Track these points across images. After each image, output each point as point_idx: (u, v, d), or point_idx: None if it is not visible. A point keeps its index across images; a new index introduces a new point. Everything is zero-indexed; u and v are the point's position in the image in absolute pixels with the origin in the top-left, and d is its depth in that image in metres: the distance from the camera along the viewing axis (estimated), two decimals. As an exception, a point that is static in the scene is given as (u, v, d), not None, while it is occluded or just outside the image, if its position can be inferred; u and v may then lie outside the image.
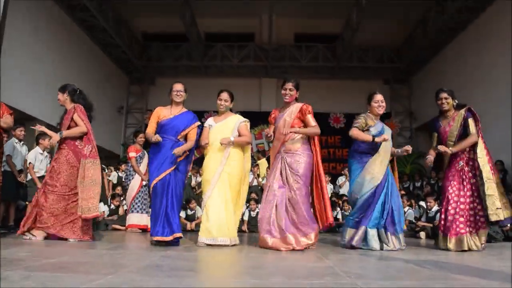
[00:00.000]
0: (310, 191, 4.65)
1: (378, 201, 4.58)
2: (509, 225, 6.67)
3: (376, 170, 4.65)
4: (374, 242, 4.45)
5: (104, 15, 11.71)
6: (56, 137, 4.83)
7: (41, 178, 6.57)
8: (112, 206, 8.20)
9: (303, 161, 4.57)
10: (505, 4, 9.77)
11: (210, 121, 4.96)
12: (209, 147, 4.77)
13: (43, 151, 6.78)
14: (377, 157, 4.67)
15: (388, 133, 4.82)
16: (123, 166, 9.46)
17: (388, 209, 4.56)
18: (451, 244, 4.46)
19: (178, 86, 4.84)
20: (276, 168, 4.61)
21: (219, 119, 4.92)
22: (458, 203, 4.57)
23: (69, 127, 4.94)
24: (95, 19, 11.66)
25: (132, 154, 7.36)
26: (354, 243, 4.49)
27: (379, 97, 4.84)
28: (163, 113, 4.78)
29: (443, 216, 4.66)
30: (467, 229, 4.48)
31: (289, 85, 4.72)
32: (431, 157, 4.77)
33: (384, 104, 4.85)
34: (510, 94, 9.32)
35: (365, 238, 4.50)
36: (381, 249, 4.42)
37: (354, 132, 4.73)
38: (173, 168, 4.56)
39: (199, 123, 4.88)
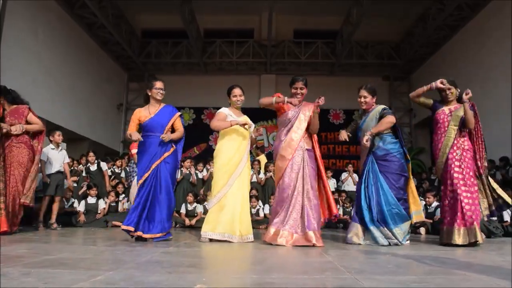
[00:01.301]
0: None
1: (361, 195, 4.67)
2: (509, 220, 6.71)
3: (360, 162, 4.86)
4: (381, 239, 4.46)
5: (103, 12, 11.69)
6: (19, 127, 5.18)
7: (56, 174, 6.65)
8: (113, 204, 8.16)
9: (314, 158, 4.70)
10: (505, 2, 9.75)
11: (227, 111, 4.92)
12: (229, 141, 4.78)
13: (56, 147, 6.83)
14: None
15: (369, 117, 4.84)
16: (118, 162, 9.47)
17: (374, 202, 4.59)
18: (464, 235, 4.40)
19: (161, 84, 4.80)
20: (298, 163, 4.58)
21: (237, 113, 4.98)
22: (466, 192, 4.51)
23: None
24: (94, 16, 11.65)
25: (134, 151, 7.36)
26: (348, 241, 4.62)
27: (360, 92, 4.89)
28: (142, 114, 4.74)
29: (458, 208, 4.52)
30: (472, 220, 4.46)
31: (300, 84, 4.75)
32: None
33: (365, 100, 4.84)
34: (510, 91, 9.32)
35: (372, 236, 4.53)
36: (389, 244, 4.44)
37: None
38: (160, 160, 4.57)
39: (179, 113, 4.89)
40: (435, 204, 7.32)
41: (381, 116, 4.75)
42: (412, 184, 4.94)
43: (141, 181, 4.54)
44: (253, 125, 4.97)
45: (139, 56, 14.85)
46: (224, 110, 4.91)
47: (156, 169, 4.56)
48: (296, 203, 4.45)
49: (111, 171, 9.29)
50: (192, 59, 14.88)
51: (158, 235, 4.42)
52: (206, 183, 9.05)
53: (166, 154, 4.63)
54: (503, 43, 9.90)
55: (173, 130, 4.80)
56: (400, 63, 14.77)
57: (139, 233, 4.38)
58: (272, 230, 4.45)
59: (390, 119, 4.71)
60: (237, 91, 4.92)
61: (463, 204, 4.46)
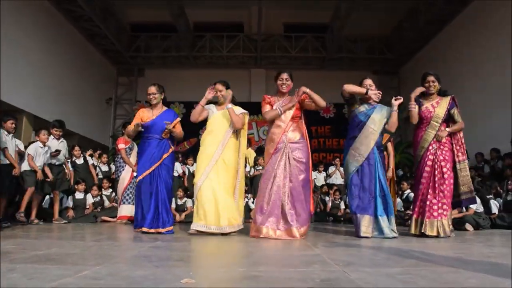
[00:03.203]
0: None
1: (376, 185, 4.59)
2: (497, 212, 6.79)
3: (358, 150, 4.69)
4: (387, 230, 4.44)
5: (91, 5, 11.56)
6: None
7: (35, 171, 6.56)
8: (96, 199, 8.09)
9: (305, 150, 4.65)
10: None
11: (211, 106, 5.03)
12: (207, 134, 4.87)
13: (44, 145, 6.74)
14: (357, 138, 4.72)
15: (380, 111, 4.79)
16: (104, 158, 9.44)
17: (385, 190, 4.60)
18: (425, 227, 4.60)
19: (152, 89, 5.04)
20: (280, 158, 4.55)
21: (220, 108, 5.02)
22: (431, 186, 4.70)
23: None
24: (82, 9, 11.51)
25: (121, 146, 7.31)
26: (362, 234, 4.50)
27: (367, 81, 4.91)
28: (145, 115, 4.99)
29: (419, 201, 4.78)
30: (440, 212, 4.63)
31: (285, 75, 4.78)
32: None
33: (372, 88, 4.84)
34: (501, 83, 9.40)
35: (377, 227, 4.50)
36: (394, 237, 4.43)
37: (347, 86, 4.80)
38: (159, 163, 4.83)
39: (179, 119, 5.13)
40: (408, 191, 7.66)
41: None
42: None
43: (138, 180, 4.86)
44: (240, 110, 4.97)
45: (128, 50, 14.74)
46: (208, 106, 5.01)
47: (156, 170, 4.82)
48: (276, 199, 4.43)
49: (95, 165, 9.24)
50: (182, 53, 14.82)
51: (171, 228, 4.73)
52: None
53: (165, 155, 4.89)
54: (492, 36, 9.97)
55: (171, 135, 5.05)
56: (389, 58, 14.82)
57: (157, 230, 4.65)
58: (254, 227, 4.46)
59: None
60: (217, 86, 4.98)
61: (429, 197, 4.69)
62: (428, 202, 4.66)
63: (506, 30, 9.35)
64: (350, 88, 4.76)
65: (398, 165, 12.12)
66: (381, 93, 4.76)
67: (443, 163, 4.72)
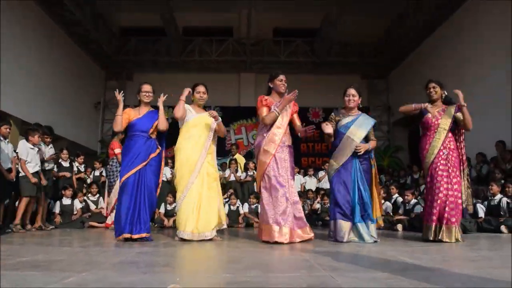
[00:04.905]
0: None
1: (355, 193, 4.64)
2: (483, 216, 6.85)
3: (336, 159, 4.80)
4: (367, 236, 4.49)
5: (80, 9, 11.49)
6: None
7: (33, 174, 6.48)
8: (82, 204, 8.05)
9: (293, 154, 4.83)
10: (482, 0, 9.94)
11: (188, 106, 4.95)
12: (187, 139, 4.81)
13: (34, 146, 6.65)
14: (337, 148, 4.84)
15: (361, 123, 4.89)
16: (98, 164, 9.39)
17: (364, 199, 4.65)
18: (443, 234, 4.54)
19: (147, 87, 5.03)
20: (285, 160, 4.62)
21: (199, 110, 5.00)
22: (449, 192, 4.65)
23: None
24: (71, 13, 11.42)
25: (117, 150, 7.30)
26: (344, 239, 4.57)
27: (349, 91, 4.98)
28: (132, 113, 4.90)
29: (434, 205, 4.69)
30: (454, 219, 4.59)
31: (284, 77, 4.90)
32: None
33: (354, 98, 4.93)
34: (487, 89, 9.50)
35: (357, 234, 4.55)
36: (375, 241, 4.48)
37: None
38: (145, 163, 4.68)
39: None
40: (413, 201, 7.47)
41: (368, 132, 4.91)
42: (377, 190, 4.99)
43: (123, 179, 4.61)
44: (214, 122, 4.94)
45: (117, 54, 14.66)
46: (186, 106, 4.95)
47: (141, 171, 4.65)
48: (291, 200, 4.51)
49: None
50: (171, 57, 14.77)
51: (144, 235, 4.51)
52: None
53: (152, 155, 4.78)
54: (479, 41, 10.07)
55: (158, 133, 4.99)
56: (378, 62, 14.90)
57: (128, 235, 4.45)
58: (276, 227, 4.35)
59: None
60: (200, 88, 5.00)
61: (447, 203, 4.61)
62: (447, 208, 4.59)
63: (492, 37, 9.50)
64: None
65: (384, 170, 12.18)
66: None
67: (454, 169, 4.72)
